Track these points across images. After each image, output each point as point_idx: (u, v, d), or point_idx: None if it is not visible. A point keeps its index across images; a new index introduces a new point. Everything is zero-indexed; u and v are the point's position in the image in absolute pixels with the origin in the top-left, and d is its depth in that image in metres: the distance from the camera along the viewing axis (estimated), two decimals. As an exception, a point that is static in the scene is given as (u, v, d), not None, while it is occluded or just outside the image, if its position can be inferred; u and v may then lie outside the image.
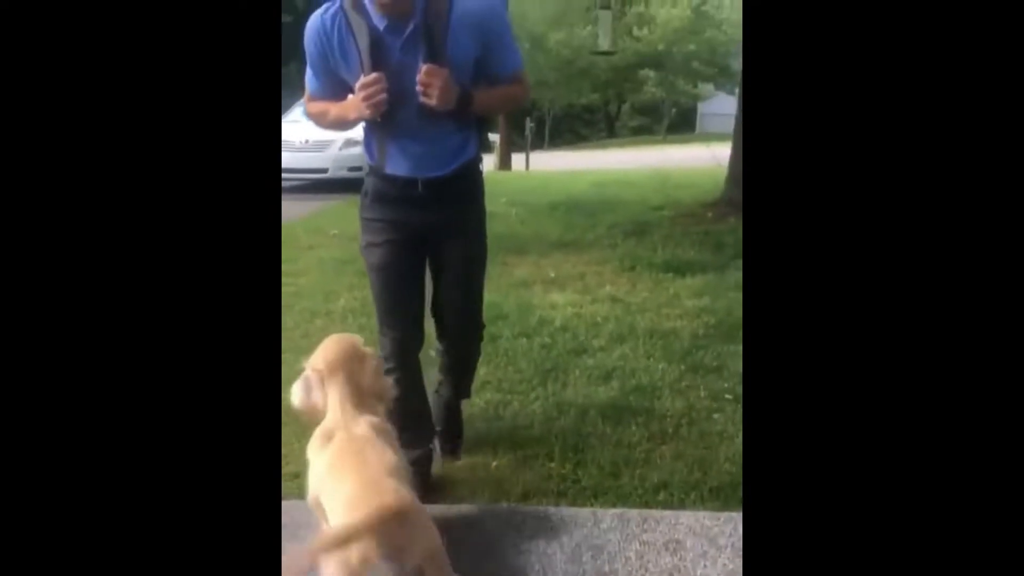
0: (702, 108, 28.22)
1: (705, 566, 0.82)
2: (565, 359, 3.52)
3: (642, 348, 3.66)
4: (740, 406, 2.97)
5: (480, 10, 2.01)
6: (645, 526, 0.91)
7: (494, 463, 2.55)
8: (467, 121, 2.10)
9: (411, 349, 2.25)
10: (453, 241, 2.19)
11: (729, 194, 7.21)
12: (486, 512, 0.93)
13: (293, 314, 4.19)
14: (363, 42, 1.94)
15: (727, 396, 3.08)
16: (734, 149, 7.34)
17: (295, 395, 1.38)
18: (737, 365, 3.38)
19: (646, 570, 0.82)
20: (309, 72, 2.08)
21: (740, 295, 4.40)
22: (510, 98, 2.23)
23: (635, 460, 2.60)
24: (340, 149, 10.51)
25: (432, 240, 2.19)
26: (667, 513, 0.95)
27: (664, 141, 20.85)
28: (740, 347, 3.61)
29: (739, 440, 2.71)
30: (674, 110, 26.90)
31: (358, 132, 2.22)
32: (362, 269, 5.57)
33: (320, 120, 2.15)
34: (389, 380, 1.54)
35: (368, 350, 1.48)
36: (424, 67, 1.89)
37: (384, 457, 0.99)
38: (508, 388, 3.19)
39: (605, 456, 2.62)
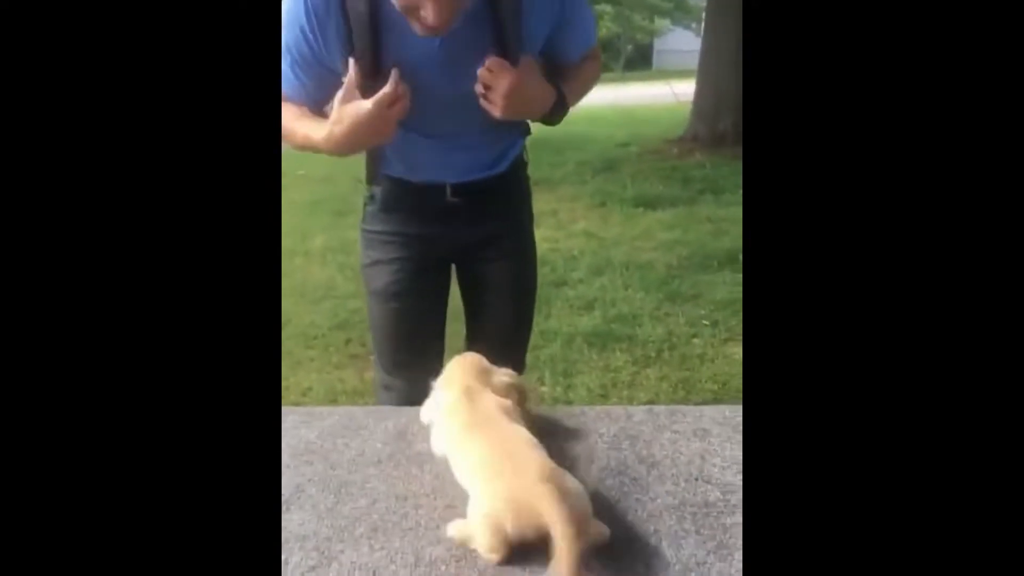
0: (657, 45, 28.07)
1: (730, 447, 0.94)
2: (547, 291, 3.63)
3: (620, 279, 3.79)
4: (717, 331, 3.13)
5: None
6: (673, 418, 1.02)
7: (489, 389, 2.67)
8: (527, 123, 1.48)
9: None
10: (491, 264, 1.57)
11: (694, 130, 7.31)
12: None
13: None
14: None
15: (704, 322, 3.23)
16: (698, 85, 7.40)
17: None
18: (712, 293, 3.54)
19: (679, 453, 0.93)
20: (284, 62, 1.32)
21: (710, 227, 4.61)
22: (587, 86, 1.54)
23: (621, 382, 2.75)
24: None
25: (461, 261, 1.59)
26: (690, 407, 1.07)
27: (623, 78, 20.74)
28: (714, 277, 3.77)
29: (718, 362, 2.87)
30: (630, 47, 26.67)
31: None
32: (335, 209, 5.56)
33: (289, 141, 1.35)
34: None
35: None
36: (489, 61, 1.27)
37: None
38: (494, 319, 3.30)
39: (593, 379, 2.76)
